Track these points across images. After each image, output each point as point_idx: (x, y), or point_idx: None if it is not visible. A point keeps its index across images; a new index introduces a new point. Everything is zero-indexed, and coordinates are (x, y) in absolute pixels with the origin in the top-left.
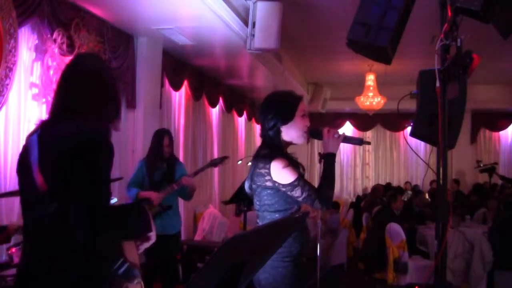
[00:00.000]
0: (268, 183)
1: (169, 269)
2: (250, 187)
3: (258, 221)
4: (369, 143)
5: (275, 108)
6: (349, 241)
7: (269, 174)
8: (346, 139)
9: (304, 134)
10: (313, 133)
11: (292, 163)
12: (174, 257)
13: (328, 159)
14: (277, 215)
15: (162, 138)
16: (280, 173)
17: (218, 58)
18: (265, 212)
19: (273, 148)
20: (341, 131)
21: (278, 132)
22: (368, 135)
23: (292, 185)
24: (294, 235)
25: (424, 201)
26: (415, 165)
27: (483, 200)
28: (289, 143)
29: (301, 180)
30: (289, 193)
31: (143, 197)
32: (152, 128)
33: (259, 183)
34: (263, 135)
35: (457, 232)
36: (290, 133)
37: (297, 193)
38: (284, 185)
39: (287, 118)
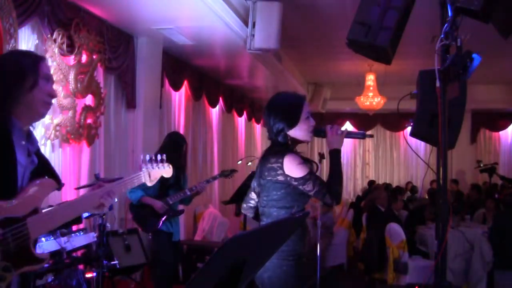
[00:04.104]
0: (280, 177)
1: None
2: (259, 184)
3: (263, 218)
4: (371, 136)
5: (280, 114)
6: (349, 241)
7: (281, 168)
8: (349, 134)
9: (309, 134)
10: (316, 131)
11: (304, 159)
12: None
13: (334, 155)
14: (283, 212)
15: (181, 146)
16: (292, 167)
17: (218, 58)
18: (272, 208)
19: (282, 146)
20: (343, 127)
21: (286, 136)
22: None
23: (304, 179)
24: (299, 234)
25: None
26: (415, 165)
27: (483, 200)
28: (297, 141)
29: (313, 175)
30: (300, 187)
31: (147, 203)
32: (152, 128)
33: (269, 178)
34: (271, 138)
35: (457, 232)
36: (296, 134)
37: (308, 187)
38: (296, 179)
39: (292, 123)
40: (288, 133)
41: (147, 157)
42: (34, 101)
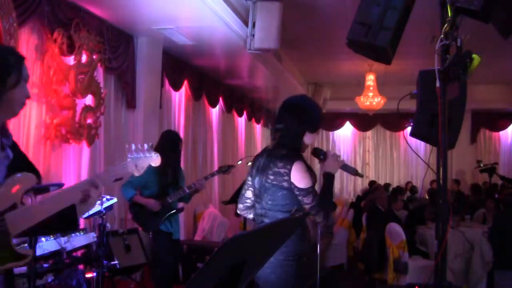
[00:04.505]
0: (285, 184)
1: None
2: (262, 186)
3: (265, 220)
4: (362, 175)
5: (309, 116)
6: (349, 241)
7: (288, 174)
8: (344, 167)
9: (310, 146)
10: (316, 151)
11: (309, 169)
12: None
13: (329, 179)
14: (288, 215)
15: (177, 146)
16: (298, 177)
17: (218, 58)
18: (278, 212)
19: (292, 149)
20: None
21: (301, 136)
22: (368, 135)
23: (306, 191)
24: (300, 234)
25: None
26: (415, 165)
27: (483, 200)
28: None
29: (314, 189)
30: (300, 197)
31: (139, 202)
32: (152, 128)
33: (275, 182)
34: (280, 130)
35: (457, 232)
36: (306, 141)
37: (308, 199)
38: (299, 189)
39: (313, 129)
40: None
41: (133, 146)
42: (14, 100)
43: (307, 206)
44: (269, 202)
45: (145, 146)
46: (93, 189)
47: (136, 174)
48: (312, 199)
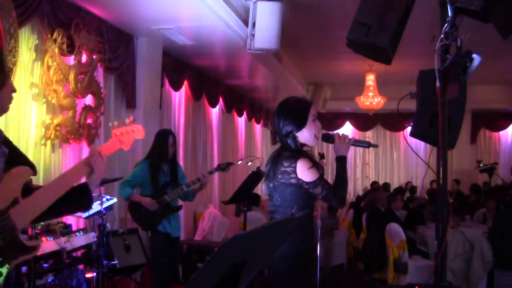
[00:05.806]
0: (293, 180)
1: (170, 270)
2: (272, 186)
3: (276, 216)
4: (376, 146)
5: (289, 116)
6: (349, 241)
7: (294, 172)
8: (356, 142)
9: (315, 137)
10: (325, 137)
11: (314, 163)
12: (177, 261)
13: (340, 162)
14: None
15: (166, 139)
16: (305, 172)
17: (218, 58)
18: (288, 207)
19: (294, 150)
20: (342, 132)
21: (294, 138)
22: (368, 135)
23: (314, 183)
24: (309, 231)
25: None
26: (415, 165)
27: (483, 200)
28: (303, 145)
29: (322, 180)
30: (310, 190)
31: (135, 200)
32: (152, 128)
33: (283, 181)
34: (280, 139)
35: (457, 232)
36: (304, 136)
37: (318, 190)
38: (307, 183)
39: (300, 125)
40: (297, 135)
41: (115, 123)
42: (3, 98)
43: (319, 197)
44: (279, 199)
45: (126, 120)
46: (94, 159)
47: (125, 149)
48: (321, 189)
